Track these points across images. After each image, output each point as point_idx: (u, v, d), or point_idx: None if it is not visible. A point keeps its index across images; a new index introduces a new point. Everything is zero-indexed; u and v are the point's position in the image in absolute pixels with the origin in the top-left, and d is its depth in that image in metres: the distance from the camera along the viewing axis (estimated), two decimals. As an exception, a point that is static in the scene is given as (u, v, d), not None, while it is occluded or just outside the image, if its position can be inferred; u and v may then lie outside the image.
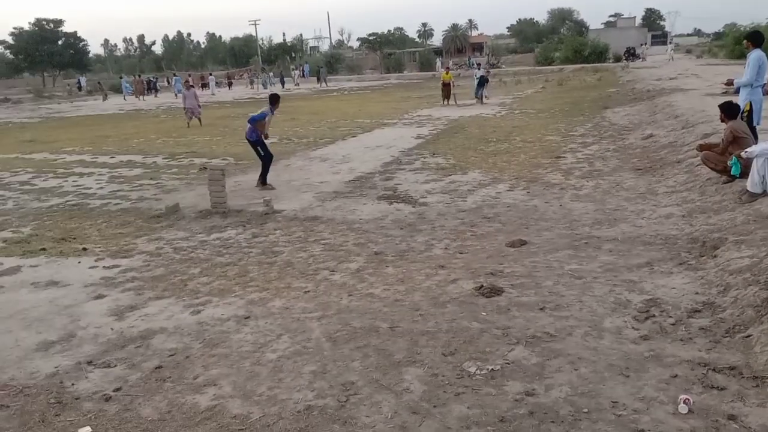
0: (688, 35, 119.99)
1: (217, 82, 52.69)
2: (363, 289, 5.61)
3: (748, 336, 4.12)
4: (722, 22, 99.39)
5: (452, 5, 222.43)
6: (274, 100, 10.55)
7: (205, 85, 49.87)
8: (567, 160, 11.65)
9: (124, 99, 43.55)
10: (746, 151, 7.04)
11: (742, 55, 36.80)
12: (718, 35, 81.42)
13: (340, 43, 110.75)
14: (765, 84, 8.55)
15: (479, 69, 33.38)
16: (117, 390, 4.03)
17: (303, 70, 64.11)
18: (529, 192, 9.25)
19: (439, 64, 65.87)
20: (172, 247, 7.33)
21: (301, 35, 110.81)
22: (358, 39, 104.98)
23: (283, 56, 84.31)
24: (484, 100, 26.18)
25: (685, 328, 4.38)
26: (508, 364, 4.05)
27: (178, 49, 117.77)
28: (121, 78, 52.87)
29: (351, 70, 71.85)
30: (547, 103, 23.81)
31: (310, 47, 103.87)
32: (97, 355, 4.57)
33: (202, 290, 5.82)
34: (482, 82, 26.48)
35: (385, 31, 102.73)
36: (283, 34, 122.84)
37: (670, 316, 4.58)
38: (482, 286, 5.43)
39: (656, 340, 4.24)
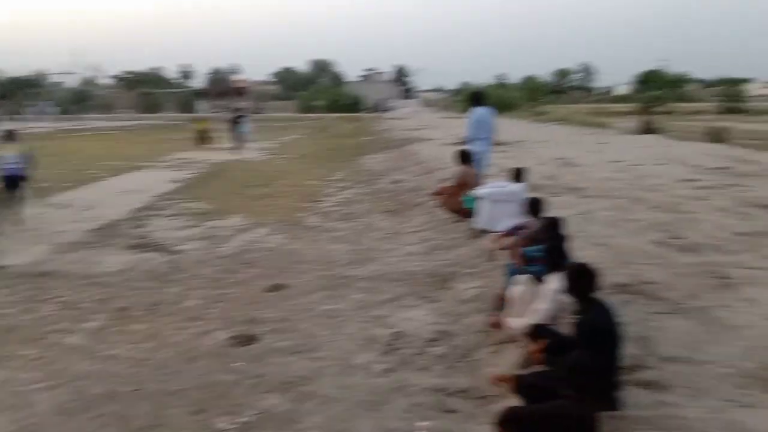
0: (432, 90, 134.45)
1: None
2: (103, 351, 5.08)
3: (476, 359, 4.60)
4: (460, 80, 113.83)
5: (216, 48, 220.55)
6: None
7: None
8: (325, 204, 12.10)
9: None
10: (473, 192, 8.01)
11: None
12: (456, 92, 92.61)
13: (91, 80, 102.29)
14: (489, 137, 9.75)
15: (241, 114, 33.28)
16: None
17: (45, 107, 57.74)
18: (290, 235, 9.37)
19: (204, 107, 64.53)
20: None
21: (43, 69, 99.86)
22: (113, 76, 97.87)
23: (21, 91, 75.03)
24: (246, 145, 26.13)
25: (425, 356, 4.75)
26: (260, 414, 3.96)
27: None
28: None
29: (104, 108, 66.66)
30: (308, 149, 24.64)
31: (53, 83, 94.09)
32: None
33: None
34: (243, 127, 26.42)
35: (143, 70, 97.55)
36: (21, 68, 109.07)
37: (413, 347, 4.93)
38: (237, 335, 5.30)
39: (400, 371, 4.52)
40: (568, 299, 3.72)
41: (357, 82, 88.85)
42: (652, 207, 8.81)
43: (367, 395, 4.17)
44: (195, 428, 3.80)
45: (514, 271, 4.90)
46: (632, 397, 3.45)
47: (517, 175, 7.89)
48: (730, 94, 51.46)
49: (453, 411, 3.90)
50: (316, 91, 71.58)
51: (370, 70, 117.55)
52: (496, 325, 4.78)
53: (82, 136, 34.57)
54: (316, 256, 8.13)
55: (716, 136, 20.51)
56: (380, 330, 5.34)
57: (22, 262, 7.80)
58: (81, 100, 66.57)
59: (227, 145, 25.92)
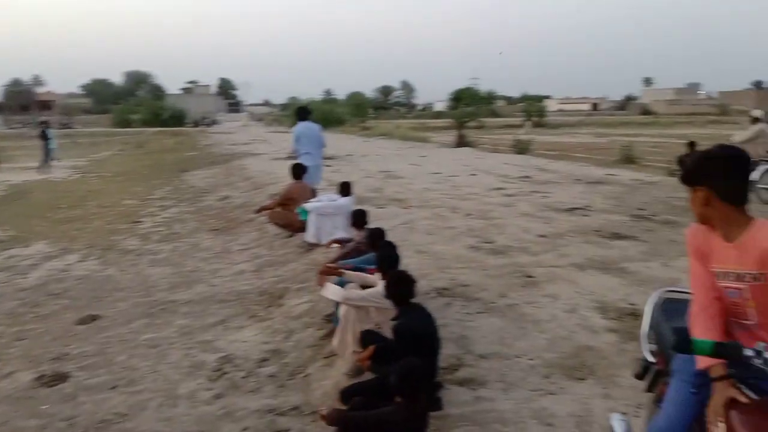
0: (260, 105, 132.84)
1: None
2: None
3: (306, 375, 4.59)
4: (287, 95, 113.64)
5: (13, 57, 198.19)
6: None
7: None
8: (145, 225, 11.37)
9: None
10: (305, 205, 8.02)
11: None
12: (284, 106, 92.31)
13: None
14: (317, 151, 9.79)
15: (47, 128, 30.11)
16: None
17: None
18: (104, 261, 8.67)
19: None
20: None
21: None
22: None
23: None
24: (53, 163, 23.76)
25: (255, 378, 4.64)
26: (71, 460, 3.59)
27: None
28: None
29: None
30: (125, 166, 23.03)
31: None
32: None
33: None
34: (49, 143, 24.01)
35: None
36: None
37: (242, 370, 4.79)
38: (44, 375, 4.77)
39: (228, 396, 4.36)
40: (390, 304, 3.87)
41: (179, 95, 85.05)
42: (466, 214, 9.49)
43: (192, 425, 3.96)
44: (-10, 487, 3.34)
45: (341, 283, 4.97)
46: (453, 395, 3.67)
47: (344, 188, 8.07)
48: (531, 110, 57.20)
49: (284, 431, 3.84)
50: (134, 104, 67.16)
51: (192, 82, 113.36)
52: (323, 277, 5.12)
53: None
54: (135, 281, 7.61)
55: (521, 148, 22.69)
56: (207, 355, 5.12)
57: None
58: None
59: (32, 163, 23.39)
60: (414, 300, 3.79)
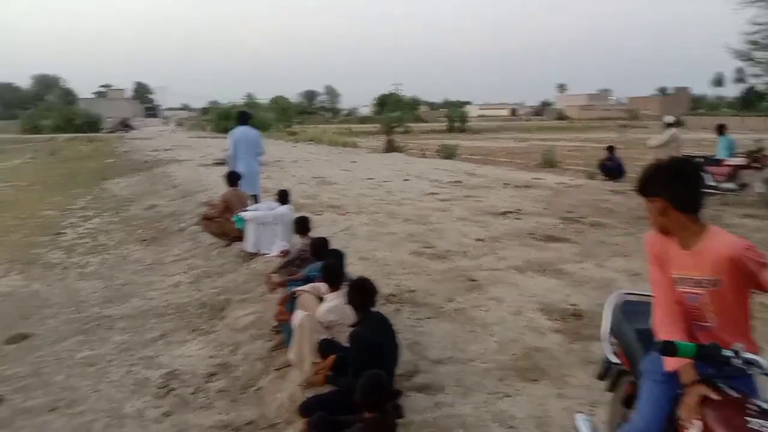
0: (178, 109, 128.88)
1: None
2: None
3: (259, 388, 4.50)
4: (207, 99, 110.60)
5: None
6: None
7: None
8: (68, 236, 10.81)
9: None
10: (240, 213, 7.86)
11: (226, 130, 41.17)
12: (205, 110, 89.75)
13: None
14: (256, 157, 9.54)
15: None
16: None
17: None
18: (27, 276, 8.18)
19: None
20: None
21: None
22: None
23: None
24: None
25: (205, 394, 4.51)
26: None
27: None
28: None
29: None
30: (39, 175, 21.77)
31: None
32: None
33: None
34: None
35: None
36: None
37: (189, 386, 4.64)
38: (-30, 401, 4.44)
39: (178, 413, 4.22)
40: (350, 312, 3.86)
41: (92, 99, 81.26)
42: (405, 220, 9.59)
43: (145, 446, 3.81)
44: None
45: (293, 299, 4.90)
46: (413, 402, 3.70)
47: (282, 196, 7.98)
48: (454, 115, 58.37)
49: (242, 446, 3.76)
50: (44, 109, 63.56)
51: (106, 86, 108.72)
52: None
53: None
54: (64, 296, 7.23)
55: (447, 153, 23.14)
56: (150, 372, 4.93)
57: None
58: None
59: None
60: (373, 308, 3.80)
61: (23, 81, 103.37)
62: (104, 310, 6.63)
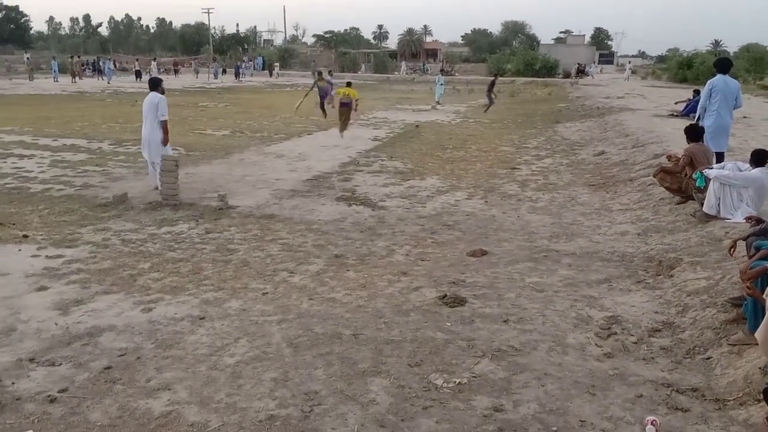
0: (633, 56, 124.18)
1: (165, 69, 51.27)
2: (324, 293, 5.46)
3: (708, 358, 4.19)
4: (665, 46, 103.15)
5: (408, 10, 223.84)
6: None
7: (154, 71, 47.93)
8: (522, 172, 11.79)
9: (55, 80, 39.32)
10: (704, 171, 7.24)
11: (685, 79, 37.99)
12: (661, 58, 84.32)
13: (295, 39, 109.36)
14: (728, 111, 8.60)
15: (442, 74, 33.36)
16: (63, 391, 3.75)
17: (256, 63, 63.12)
18: (487, 201, 9.29)
19: (403, 67, 65.71)
20: (120, 238, 6.97)
21: (255, 27, 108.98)
22: (313, 35, 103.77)
23: (236, 47, 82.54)
24: (438, 106, 26.37)
25: (647, 347, 4.43)
26: (475, 377, 3.98)
27: (126, 32, 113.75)
28: (53, 58, 46.04)
29: (305, 66, 71.08)
30: (500, 114, 24.14)
31: (264, 40, 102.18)
32: (41, 352, 4.25)
33: (153, 287, 5.54)
34: (439, 88, 26.79)
35: (341, 30, 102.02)
36: (237, 25, 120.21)
37: (632, 335, 4.62)
38: (446, 295, 5.37)
39: (619, 358, 4.26)
40: None
41: (552, 45, 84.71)
42: None
43: (584, 377, 3.99)
44: (414, 380, 3.92)
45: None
46: None
47: (758, 157, 6.99)
48: None
49: (685, 410, 3.59)
50: (509, 53, 69.46)
51: (566, 32, 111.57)
52: None
53: (288, 92, 37.17)
54: (516, 225, 7.97)
55: None
56: (594, 311, 5.09)
57: (248, 204, 8.63)
58: (286, 57, 71.67)
59: (422, 106, 26.37)
60: None
61: (495, 27, 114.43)
62: (552, 244, 7.07)
